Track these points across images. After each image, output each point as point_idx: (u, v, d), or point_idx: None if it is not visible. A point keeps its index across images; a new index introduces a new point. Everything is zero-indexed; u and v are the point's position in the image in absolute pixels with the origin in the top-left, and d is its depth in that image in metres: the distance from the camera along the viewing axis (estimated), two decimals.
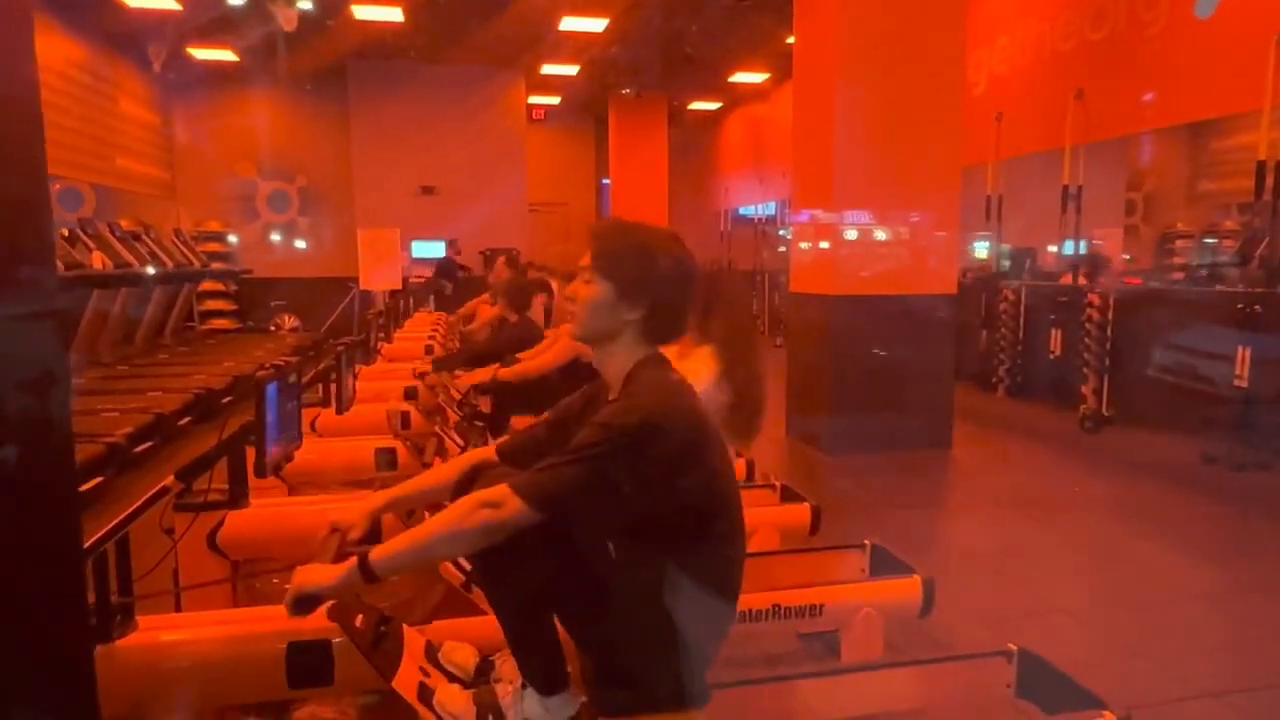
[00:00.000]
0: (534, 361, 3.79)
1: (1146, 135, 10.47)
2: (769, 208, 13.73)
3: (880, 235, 5.52)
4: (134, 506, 1.49)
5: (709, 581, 1.48)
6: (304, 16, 8.89)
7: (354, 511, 1.58)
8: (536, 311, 4.89)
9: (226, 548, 2.17)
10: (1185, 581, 3.38)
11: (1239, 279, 5.90)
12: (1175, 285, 8.04)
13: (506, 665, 1.65)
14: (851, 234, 5.48)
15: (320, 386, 3.41)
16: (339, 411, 2.73)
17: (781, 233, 13.19)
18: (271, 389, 1.63)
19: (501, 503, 1.35)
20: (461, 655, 1.72)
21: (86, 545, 1.36)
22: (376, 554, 1.38)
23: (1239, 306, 5.11)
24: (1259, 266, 5.56)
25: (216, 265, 10.26)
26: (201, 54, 10.39)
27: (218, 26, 9.19)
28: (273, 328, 11.10)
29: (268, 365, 1.63)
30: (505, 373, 3.78)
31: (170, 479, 1.67)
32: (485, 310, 6.35)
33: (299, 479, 2.78)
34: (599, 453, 1.36)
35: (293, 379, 1.82)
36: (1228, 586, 3.36)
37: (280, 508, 2.42)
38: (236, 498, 2.19)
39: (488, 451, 1.71)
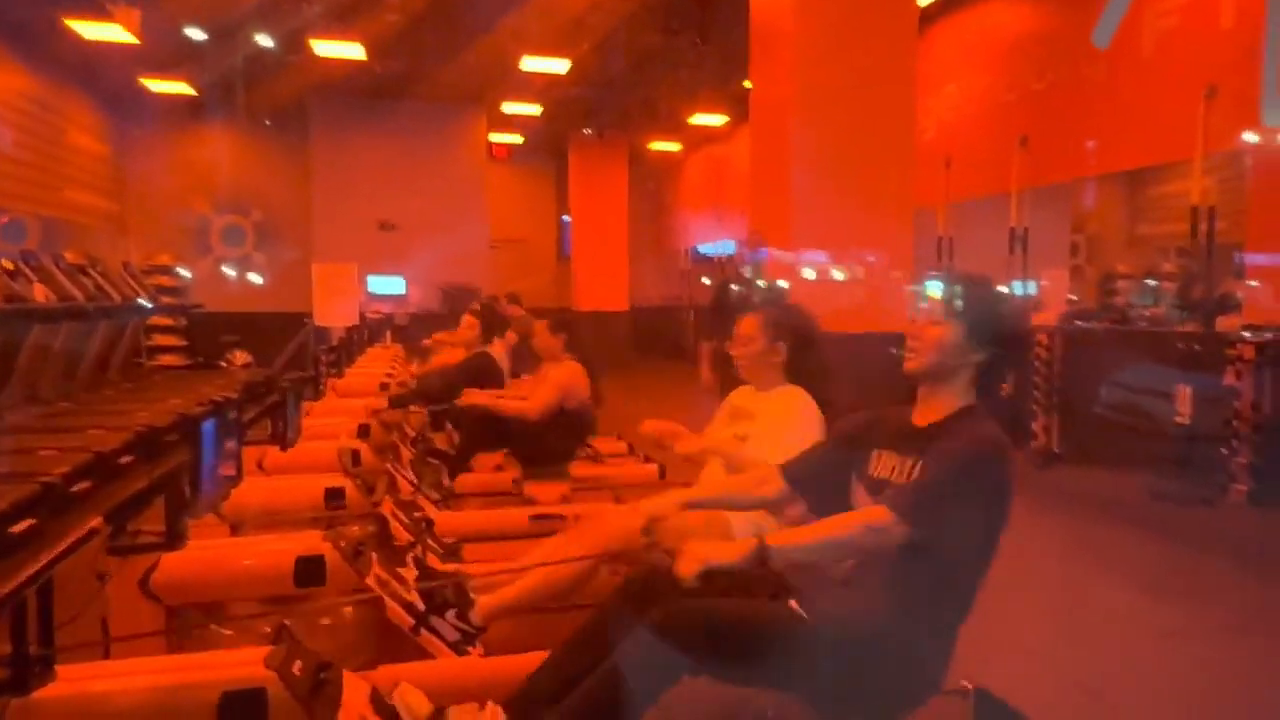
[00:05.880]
0: (529, 403, 3.87)
1: (1088, 181, 10.89)
2: (728, 246, 13.92)
3: (836, 274, 5.62)
4: (56, 551, 1.41)
5: (968, 600, 1.63)
6: (264, 52, 8.87)
7: (664, 503, 1.79)
8: (498, 348, 4.86)
9: (161, 592, 2.07)
10: (1137, 618, 3.42)
11: (1178, 319, 6.11)
12: (1120, 325, 8.30)
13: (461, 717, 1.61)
14: (808, 273, 5.57)
15: (270, 423, 3.31)
16: (283, 448, 2.65)
17: (741, 270, 13.34)
18: (208, 425, 1.58)
19: (885, 526, 1.49)
20: (415, 700, 1.66)
21: (3, 592, 1.29)
22: (774, 540, 1.50)
23: (1179, 346, 5.29)
24: (1196, 308, 5.77)
25: (166, 300, 10.01)
26: (156, 86, 10.27)
27: (173, 60, 9.11)
28: (223, 364, 10.84)
29: (204, 401, 1.58)
30: (507, 406, 3.88)
31: (97, 521, 1.59)
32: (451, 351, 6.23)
33: (243, 518, 2.68)
34: (972, 480, 1.53)
35: (231, 415, 1.76)
36: (1180, 622, 3.41)
37: (221, 549, 2.33)
38: (173, 539, 2.10)
39: (769, 470, 1.91)
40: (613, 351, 13.59)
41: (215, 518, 2.56)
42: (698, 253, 14.86)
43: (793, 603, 1.62)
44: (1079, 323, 7.21)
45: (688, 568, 1.48)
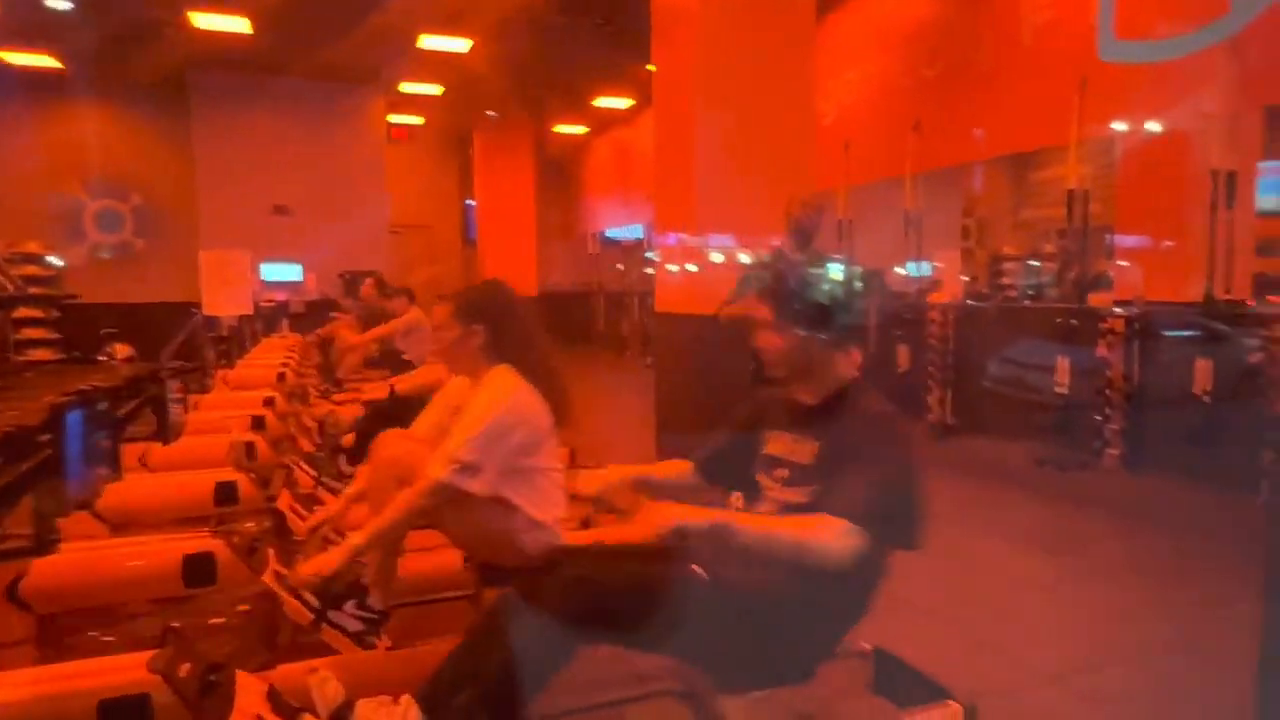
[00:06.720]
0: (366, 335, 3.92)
1: (977, 165, 11.41)
2: (636, 230, 13.94)
3: (742, 257, 5.70)
4: None
5: (876, 579, 1.71)
6: (139, 22, 8.30)
7: (613, 474, 1.85)
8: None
9: (32, 599, 1.93)
10: (1024, 575, 3.64)
11: (1058, 297, 6.49)
12: (1006, 303, 8.76)
13: (373, 713, 1.57)
14: (715, 256, 5.63)
15: (155, 419, 3.12)
16: (165, 443, 2.50)
17: (648, 254, 13.40)
18: (73, 418, 1.46)
19: (850, 537, 1.49)
20: (332, 690, 1.60)
21: None
22: (741, 521, 1.54)
23: (1058, 321, 5.62)
24: (1073, 285, 6.15)
25: (35, 290, 9.32)
26: (15, 59, 9.46)
27: (35, 30, 8.41)
28: (103, 358, 10.16)
29: (69, 391, 1.46)
30: (403, 387, 3.80)
31: None
32: (348, 334, 6.03)
33: (124, 518, 2.52)
34: (909, 471, 1.61)
35: (102, 406, 1.64)
36: (1061, 577, 3.65)
37: (99, 550, 2.19)
38: (44, 542, 1.95)
39: (683, 465, 1.94)
40: None
41: (92, 518, 2.40)
42: (606, 237, 14.83)
43: (694, 566, 1.64)
44: (970, 301, 7.57)
45: (660, 523, 1.51)
